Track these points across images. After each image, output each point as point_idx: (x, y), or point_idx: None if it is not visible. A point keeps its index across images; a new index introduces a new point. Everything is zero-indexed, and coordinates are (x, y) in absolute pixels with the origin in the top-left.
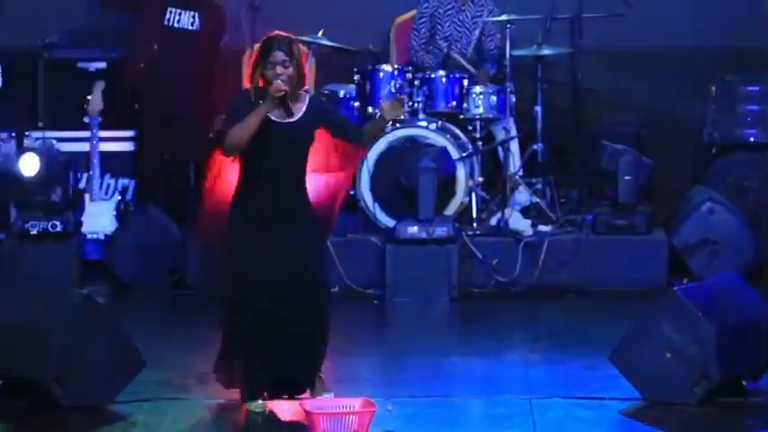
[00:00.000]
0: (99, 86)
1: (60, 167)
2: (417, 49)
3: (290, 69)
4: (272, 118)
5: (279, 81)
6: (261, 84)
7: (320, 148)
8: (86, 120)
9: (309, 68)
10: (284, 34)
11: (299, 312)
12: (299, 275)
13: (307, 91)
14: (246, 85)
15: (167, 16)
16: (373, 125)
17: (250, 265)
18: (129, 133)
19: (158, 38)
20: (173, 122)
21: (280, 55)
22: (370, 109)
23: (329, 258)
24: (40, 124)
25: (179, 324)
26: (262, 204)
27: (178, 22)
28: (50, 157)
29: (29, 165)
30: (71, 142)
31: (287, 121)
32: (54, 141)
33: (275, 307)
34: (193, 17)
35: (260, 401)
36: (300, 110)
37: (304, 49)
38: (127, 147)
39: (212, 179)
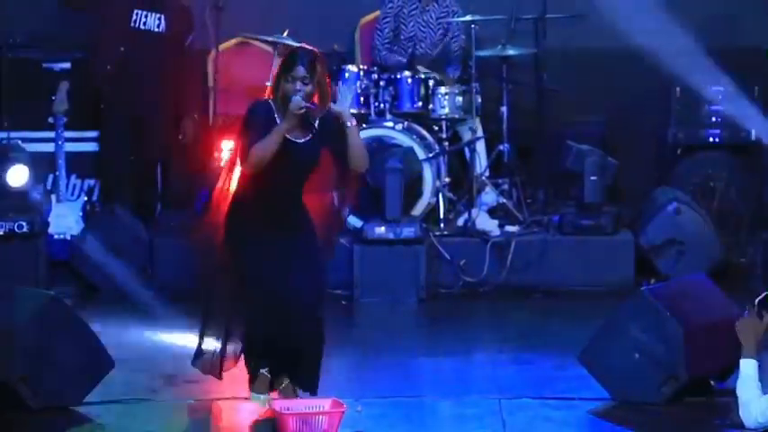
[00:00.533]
0: (64, 86)
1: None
2: (380, 48)
3: (310, 86)
4: (287, 137)
5: (297, 97)
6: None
7: (324, 167)
8: (51, 120)
9: (274, 68)
10: (309, 48)
11: (307, 319)
12: (306, 280)
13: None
14: (268, 94)
15: (134, 18)
16: (347, 138)
17: (260, 266)
18: (95, 134)
19: (125, 39)
20: (139, 123)
21: (301, 70)
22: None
23: None
24: (5, 124)
25: (147, 325)
26: (265, 214)
27: (144, 24)
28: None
29: (17, 176)
30: (36, 143)
31: (300, 140)
32: (19, 141)
33: (287, 309)
34: (159, 19)
35: (263, 396)
36: (313, 130)
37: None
38: (93, 147)
39: (223, 188)
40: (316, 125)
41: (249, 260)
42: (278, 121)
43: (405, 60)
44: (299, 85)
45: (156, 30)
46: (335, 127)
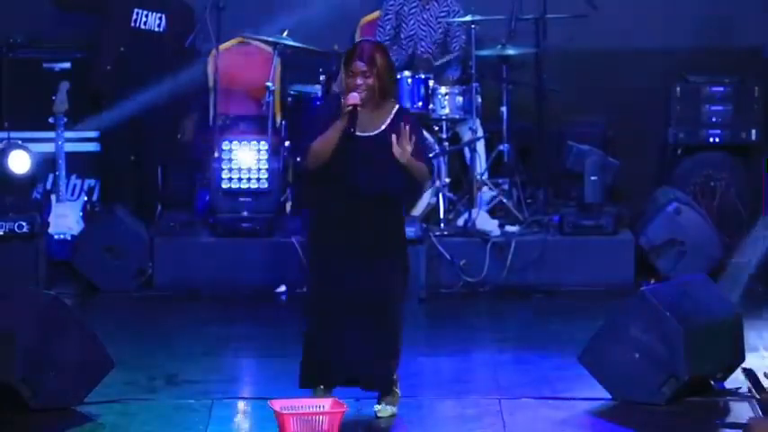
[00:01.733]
0: (64, 86)
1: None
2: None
3: (371, 80)
4: (355, 131)
5: (353, 94)
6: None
7: None
8: (51, 120)
9: (276, 69)
10: (370, 41)
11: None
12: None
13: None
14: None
15: (134, 17)
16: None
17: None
18: (95, 134)
19: (125, 39)
20: (139, 123)
21: (360, 65)
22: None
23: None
24: (5, 124)
25: (147, 325)
26: (339, 215)
27: (145, 23)
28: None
29: (19, 162)
30: (36, 142)
31: (367, 134)
32: (19, 142)
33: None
34: (160, 19)
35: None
36: (384, 122)
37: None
38: (93, 147)
39: None
40: (389, 119)
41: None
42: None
43: (405, 57)
44: (359, 79)
45: (157, 29)
46: (410, 126)
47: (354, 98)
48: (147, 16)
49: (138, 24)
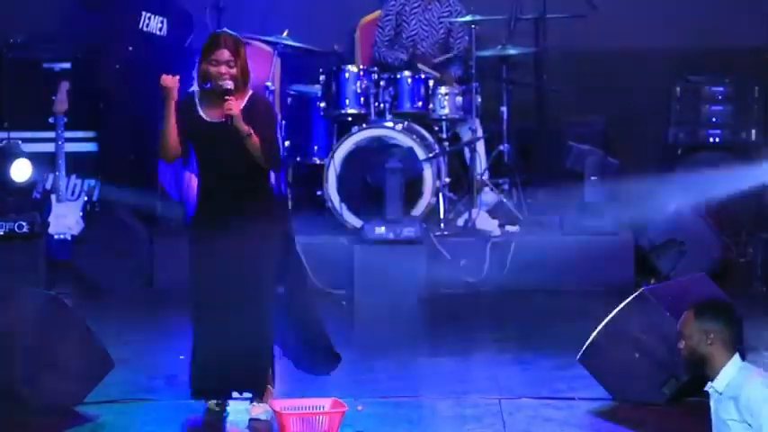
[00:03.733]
0: (64, 86)
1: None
2: (380, 45)
3: (235, 70)
4: (203, 116)
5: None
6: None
7: None
8: (51, 120)
9: (274, 68)
10: (230, 33)
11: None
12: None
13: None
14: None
15: (141, 19)
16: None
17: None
18: (95, 134)
19: (132, 39)
20: (139, 123)
21: (225, 54)
22: None
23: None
24: (5, 124)
25: (147, 325)
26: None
27: (148, 26)
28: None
29: (20, 171)
30: (36, 143)
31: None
32: (19, 141)
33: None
34: (162, 22)
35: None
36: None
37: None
38: (93, 147)
39: None
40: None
41: (192, 258)
42: (198, 107)
43: (404, 57)
44: (224, 68)
45: (159, 33)
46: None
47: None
48: (150, 19)
49: (143, 26)
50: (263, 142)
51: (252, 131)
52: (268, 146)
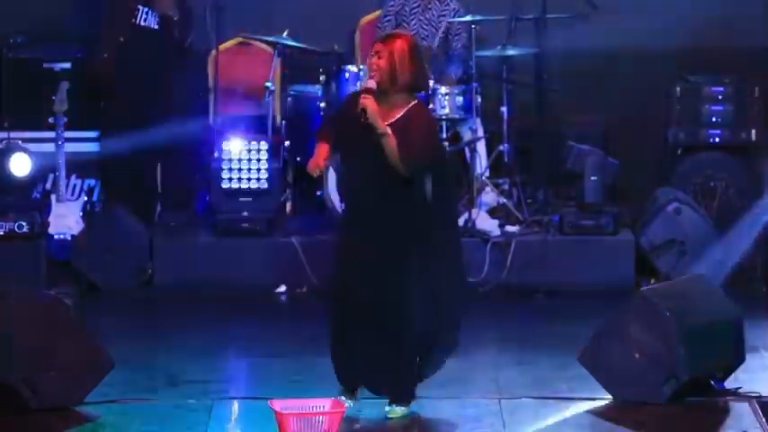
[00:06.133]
0: (64, 86)
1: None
2: None
3: (383, 61)
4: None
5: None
6: None
7: None
8: (51, 120)
9: (275, 68)
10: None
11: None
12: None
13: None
14: None
15: (137, 14)
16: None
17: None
18: (95, 134)
19: (126, 33)
20: (138, 122)
21: (376, 45)
22: None
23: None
24: (5, 124)
25: (147, 325)
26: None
27: (145, 20)
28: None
29: (20, 165)
30: (36, 143)
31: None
32: (19, 141)
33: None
34: (159, 17)
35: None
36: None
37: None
38: (93, 147)
39: None
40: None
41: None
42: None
43: None
44: (374, 59)
45: (156, 27)
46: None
47: (371, 83)
48: (147, 14)
49: (138, 21)
50: (403, 146)
51: (389, 131)
52: (407, 150)
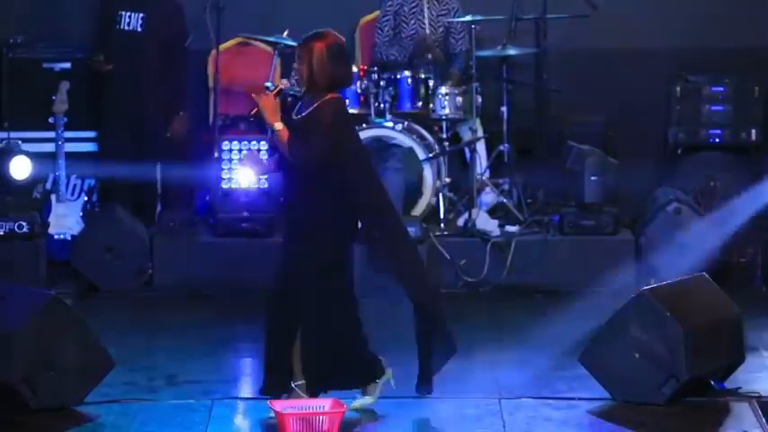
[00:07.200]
0: (64, 86)
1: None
2: (381, 45)
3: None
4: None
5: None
6: None
7: None
8: (51, 120)
9: (274, 68)
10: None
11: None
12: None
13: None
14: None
15: (120, 19)
16: None
17: None
18: (95, 134)
19: (113, 40)
20: (132, 123)
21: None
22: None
23: None
24: (5, 124)
25: (147, 325)
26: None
27: (128, 24)
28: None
29: (20, 168)
30: (36, 143)
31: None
32: (19, 141)
33: None
34: (142, 18)
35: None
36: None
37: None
38: (93, 147)
39: None
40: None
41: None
42: None
43: (400, 58)
44: (296, 64)
45: (140, 30)
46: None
47: (283, 83)
48: (130, 17)
49: (122, 26)
50: (303, 140)
51: (279, 126)
52: (303, 144)
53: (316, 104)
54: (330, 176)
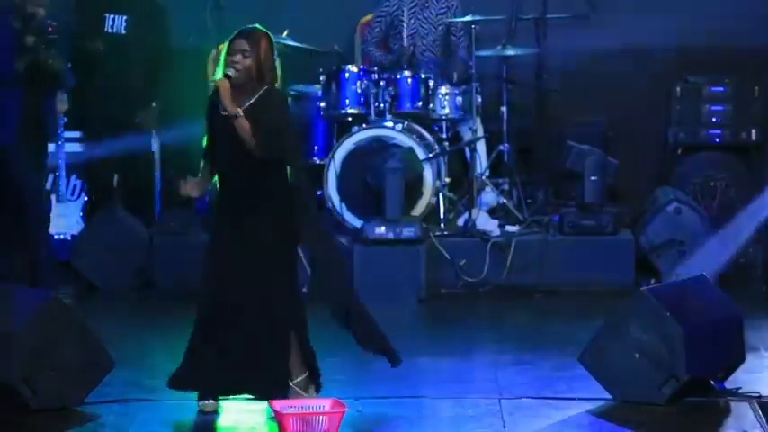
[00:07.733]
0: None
1: None
2: (368, 44)
3: (249, 60)
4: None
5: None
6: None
7: None
8: None
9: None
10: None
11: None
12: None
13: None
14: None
15: (104, 22)
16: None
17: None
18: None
19: (100, 42)
20: (117, 124)
21: (242, 43)
22: None
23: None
24: None
25: (147, 325)
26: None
27: (112, 27)
28: None
29: None
30: None
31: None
32: None
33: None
34: (125, 21)
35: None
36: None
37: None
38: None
39: None
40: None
41: (208, 247)
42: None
43: (387, 59)
44: (238, 56)
45: (123, 32)
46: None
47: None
48: (113, 20)
49: (107, 28)
50: (258, 128)
51: (239, 113)
52: (261, 132)
53: (259, 93)
54: (281, 172)
